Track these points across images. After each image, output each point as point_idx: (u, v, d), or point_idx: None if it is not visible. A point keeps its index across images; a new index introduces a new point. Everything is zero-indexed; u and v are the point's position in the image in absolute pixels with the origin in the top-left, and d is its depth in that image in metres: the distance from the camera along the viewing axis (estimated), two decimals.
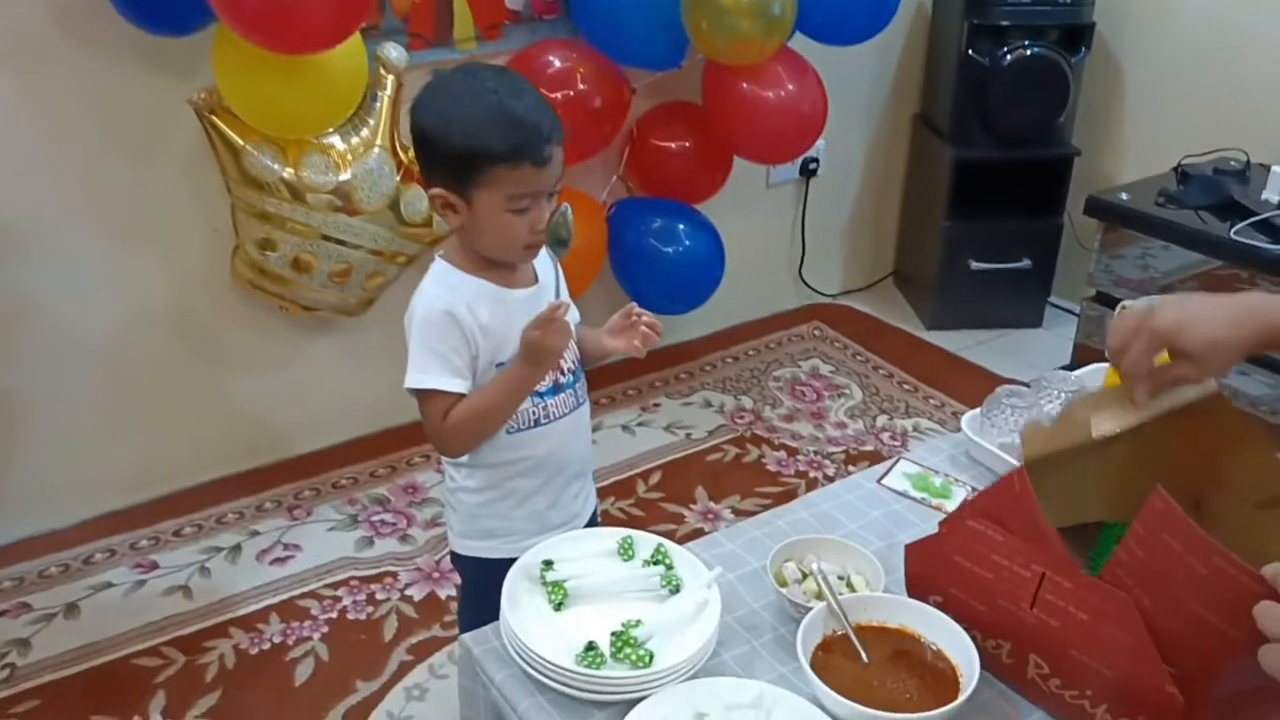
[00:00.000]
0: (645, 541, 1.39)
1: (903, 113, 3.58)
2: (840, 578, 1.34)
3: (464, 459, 1.54)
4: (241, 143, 2.20)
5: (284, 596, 2.28)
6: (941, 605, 1.21)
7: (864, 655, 1.20)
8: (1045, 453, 1.29)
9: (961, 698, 1.09)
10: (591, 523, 1.68)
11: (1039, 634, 1.11)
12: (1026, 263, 3.39)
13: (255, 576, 2.34)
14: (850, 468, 2.73)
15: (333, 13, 1.89)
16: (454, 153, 1.36)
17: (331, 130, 2.25)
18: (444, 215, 1.43)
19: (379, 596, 2.28)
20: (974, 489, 1.58)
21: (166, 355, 2.50)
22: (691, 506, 2.55)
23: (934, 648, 1.19)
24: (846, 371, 3.21)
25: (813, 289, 3.63)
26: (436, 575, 2.34)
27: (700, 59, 2.74)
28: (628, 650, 1.21)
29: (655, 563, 1.36)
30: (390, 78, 2.33)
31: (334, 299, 2.43)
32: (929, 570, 1.23)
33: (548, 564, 1.35)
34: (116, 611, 2.24)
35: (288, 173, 2.22)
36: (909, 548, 1.27)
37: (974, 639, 1.16)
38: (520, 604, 1.29)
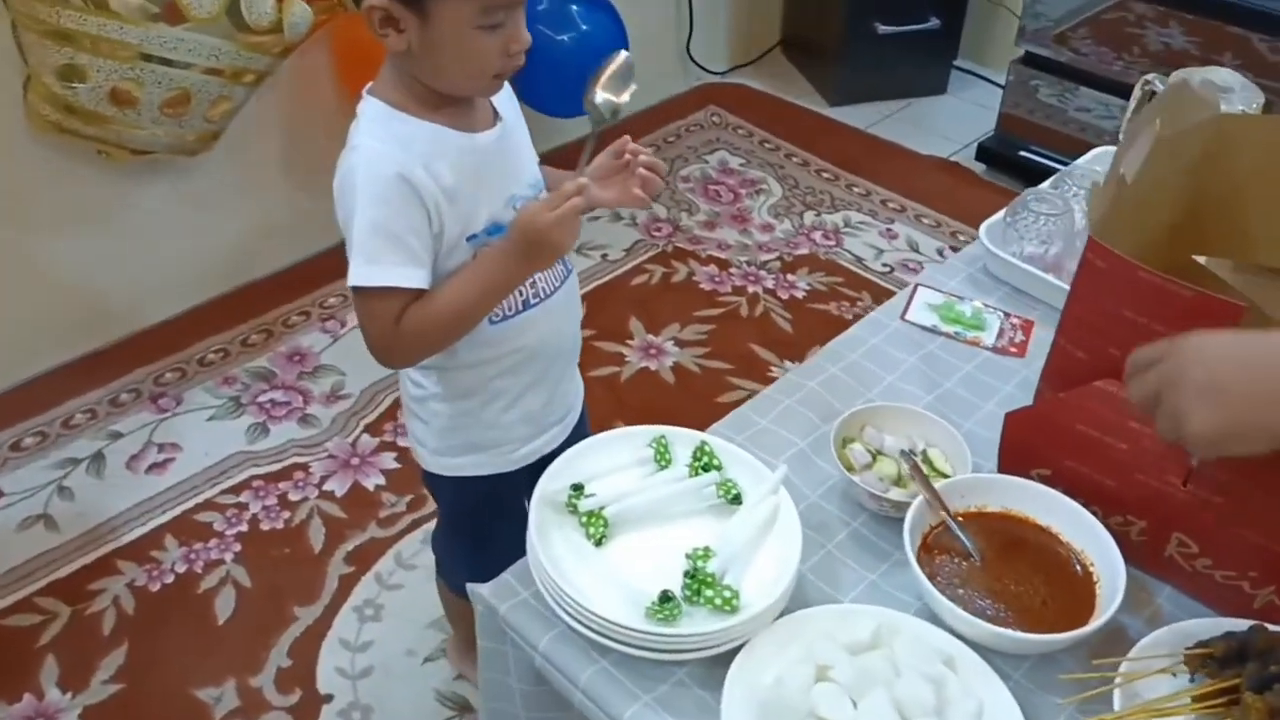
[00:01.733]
0: (681, 439, 1.13)
1: None
2: (910, 452, 1.12)
3: (433, 359, 1.17)
4: None
5: (175, 513, 1.88)
6: (1048, 479, 1.04)
7: (975, 554, 1.01)
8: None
9: (1112, 608, 0.91)
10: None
11: (1189, 511, 0.94)
12: (935, 22, 3.09)
13: (132, 491, 1.91)
14: (789, 276, 2.46)
15: None
16: None
17: None
18: (382, 35, 1.01)
19: (292, 497, 1.91)
20: (1006, 314, 1.39)
21: None
22: (629, 342, 2.24)
23: (1051, 531, 1.02)
24: (759, 163, 2.89)
25: (701, 67, 3.24)
26: (355, 461, 1.98)
27: None
28: (707, 592, 0.96)
29: (700, 466, 1.09)
30: None
31: (169, 137, 1.90)
32: (1038, 442, 1.04)
33: (577, 489, 1.06)
34: None
35: None
36: (1010, 418, 1.06)
37: (1093, 514, 0.99)
38: (553, 544, 1.00)
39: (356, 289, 1.06)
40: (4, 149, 1.93)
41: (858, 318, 2.27)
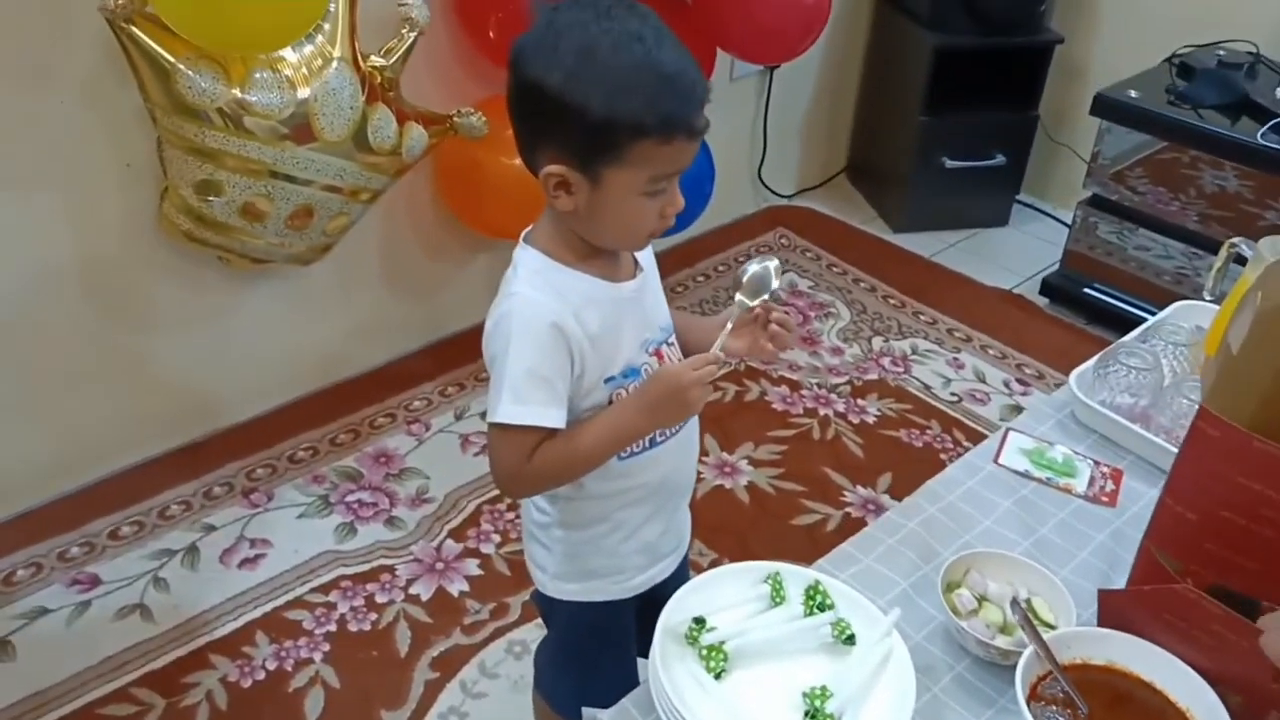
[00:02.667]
0: (794, 577, 1.17)
1: None
2: (1017, 601, 1.14)
3: (561, 489, 1.23)
4: (172, 60, 1.73)
5: (266, 609, 1.93)
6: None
7: (1082, 704, 1.03)
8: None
9: None
10: None
11: None
12: (1000, 159, 3.20)
13: (224, 585, 1.97)
14: (859, 401, 2.53)
15: None
16: (590, 123, 1.02)
17: None
18: (554, 197, 1.09)
19: (379, 599, 1.96)
20: (1095, 462, 1.44)
21: (77, 320, 2.04)
22: (704, 459, 2.30)
23: (1157, 688, 1.04)
24: (827, 286, 2.97)
25: (770, 190, 3.35)
26: (440, 566, 2.03)
27: None
28: None
29: (813, 604, 1.13)
30: None
31: (289, 248, 2.01)
32: (1132, 618, 1.06)
33: (699, 622, 1.10)
34: (62, 646, 1.85)
35: (233, 95, 1.77)
36: (1103, 597, 1.10)
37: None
38: (675, 674, 1.04)
39: (502, 425, 1.11)
40: (129, 252, 2.05)
41: (927, 445, 2.38)
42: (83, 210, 1.97)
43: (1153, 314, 1.59)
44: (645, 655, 1.08)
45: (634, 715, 1.07)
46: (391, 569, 2.02)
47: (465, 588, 1.99)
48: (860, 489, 2.26)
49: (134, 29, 1.70)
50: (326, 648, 1.87)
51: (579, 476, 1.19)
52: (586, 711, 1.10)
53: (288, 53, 1.82)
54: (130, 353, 2.14)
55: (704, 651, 1.08)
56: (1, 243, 1.88)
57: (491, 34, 2.21)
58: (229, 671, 1.82)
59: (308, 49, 1.85)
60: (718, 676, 1.06)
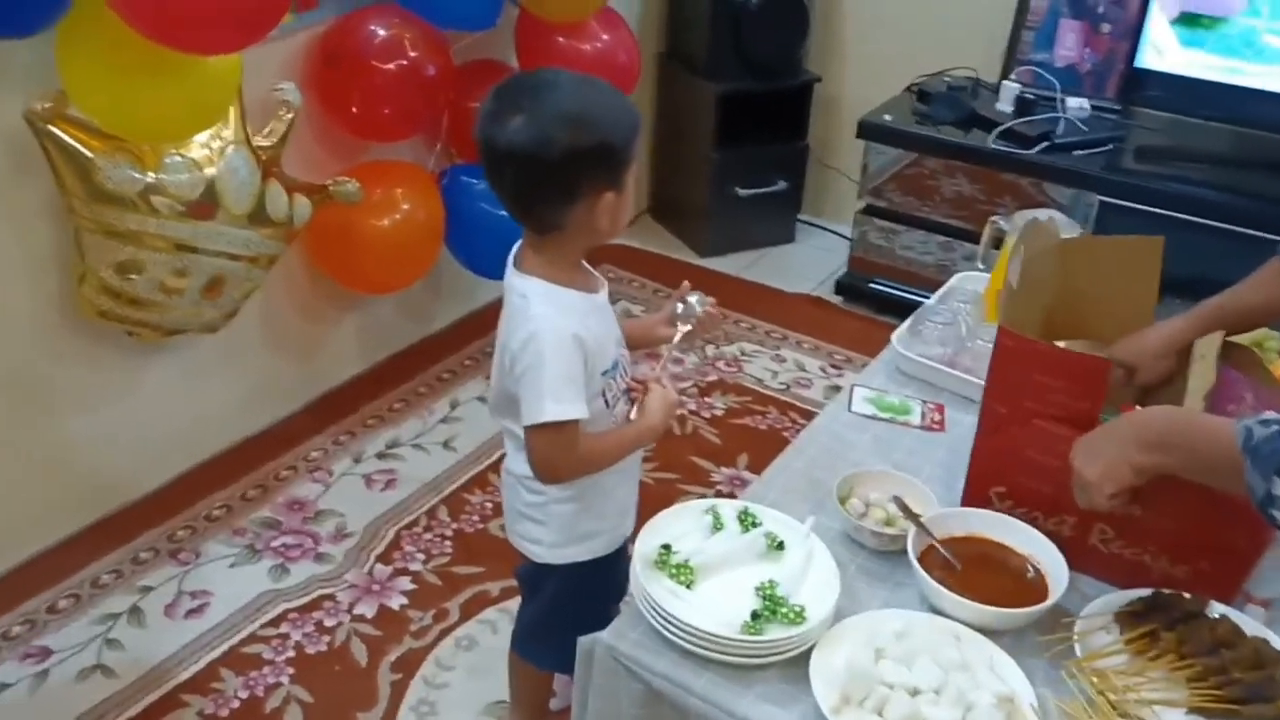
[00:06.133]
0: (728, 508, 1.49)
1: (647, 51, 3.70)
2: (895, 499, 1.51)
3: None
4: (90, 154, 1.89)
5: (223, 648, 2.08)
6: (1004, 494, 1.44)
7: (956, 564, 1.39)
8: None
9: (1059, 591, 1.31)
10: None
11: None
12: (782, 184, 3.69)
13: (177, 635, 2.11)
14: (706, 399, 2.90)
15: (252, 10, 1.68)
16: (619, 149, 1.36)
17: None
18: (599, 221, 1.39)
19: (328, 623, 2.14)
20: (923, 401, 1.81)
21: None
22: None
23: (1008, 546, 1.41)
24: (657, 310, 3.34)
25: None
26: (376, 587, 2.24)
27: (513, 16, 2.70)
28: (782, 610, 1.32)
29: (748, 524, 1.46)
30: None
31: (205, 317, 2.18)
32: (995, 466, 1.45)
33: (665, 548, 1.41)
34: (30, 714, 1.93)
35: (148, 180, 1.95)
36: (977, 446, 1.47)
37: (1035, 520, 1.40)
38: (654, 590, 1.34)
39: (547, 423, 1.39)
40: (37, 341, 2.16)
41: (770, 427, 2.78)
42: None
43: (927, 298, 1.99)
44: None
45: (627, 630, 1.35)
46: (332, 596, 2.21)
47: (405, 601, 2.21)
48: (724, 469, 2.62)
49: (55, 129, 1.86)
50: (291, 671, 2.04)
51: (605, 468, 1.51)
52: (582, 640, 1.37)
53: (192, 138, 2.02)
54: (41, 435, 2.23)
55: (674, 570, 1.37)
56: None
57: (354, 110, 2.46)
58: (204, 706, 1.96)
59: (206, 134, 2.05)
60: (689, 586, 1.35)
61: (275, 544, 2.35)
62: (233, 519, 2.42)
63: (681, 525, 1.45)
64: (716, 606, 1.32)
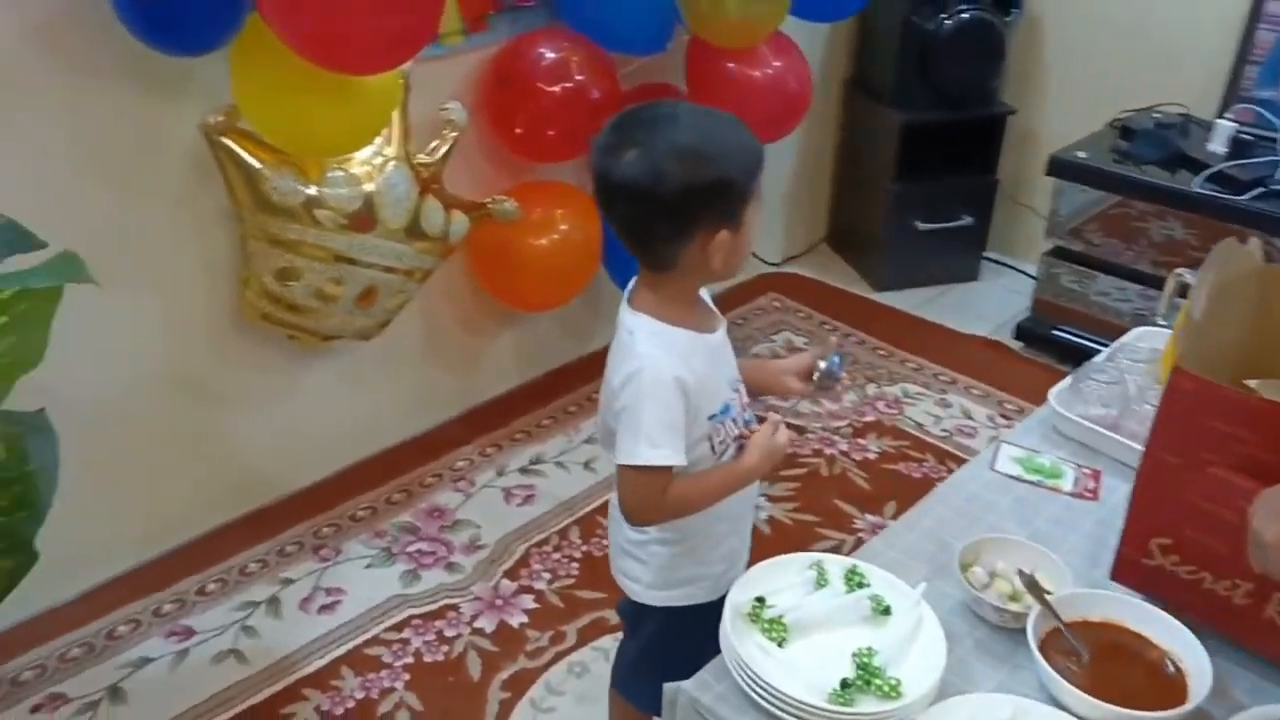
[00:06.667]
0: (835, 564, 1.40)
1: (834, 78, 3.63)
2: (1023, 573, 1.37)
3: None
4: (259, 166, 2.00)
5: (348, 647, 2.14)
6: (1169, 546, 1.26)
7: (1084, 652, 1.25)
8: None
9: (1202, 694, 1.14)
10: None
11: None
12: (967, 220, 3.52)
13: (308, 629, 2.19)
14: (860, 440, 2.79)
15: (399, 33, 1.73)
16: (737, 186, 1.31)
17: None
18: (713, 262, 1.34)
19: (448, 634, 2.18)
20: (1077, 465, 1.66)
21: (163, 405, 2.28)
22: None
23: (1145, 636, 1.25)
24: (820, 342, 3.26)
25: (759, 258, 3.66)
26: (499, 602, 2.26)
27: (683, 40, 2.68)
28: (876, 682, 1.22)
29: (853, 583, 1.37)
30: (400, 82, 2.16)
31: (358, 324, 2.27)
32: (1162, 512, 1.26)
33: (760, 601, 1.33)
34: (168, 689, 2.05)
35: (310, 192, 2.05)
36: (1138, 488, 1.29)
37: (1202, 581, 1.22)
38: (744, 644, 1.27)
39: (639, 466, 1.35)
40: (209, 339, 2.30)
41: (925, 476, 2.64)
42: (172, 302, 2.22)
43: None
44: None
45: (711, 682, 1.29)
46: (456, 607, 2.24)
47: (525, 619, 2.21)
48: (869, 516, 2.51)
49: (228, 140, 1.98)
50: (406, 677, 2.08)
51: (700, 509, 1.44)
52: (669, 686, 1.32)
53: (354, 154, 2.10)
54: (207, 431, 2.38)
55: (767, 625, 1.30)
56: (102, 338, 2.12)
57: (518, 130, 2.51)
58: (321, 702, 2.03)
59: (369, 150, 2.13)
60: (780, 644, 1.28)
61: (411, 549, 2.41)
62: (375, 521, 2.50)
63: (782, 578, 1.39)
64: (806, 669, 1.25)
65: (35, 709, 2.00)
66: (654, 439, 1.34)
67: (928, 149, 3.40)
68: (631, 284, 1.45)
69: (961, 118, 3.39)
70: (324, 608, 2.25)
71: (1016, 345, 3.25)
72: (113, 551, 2.30)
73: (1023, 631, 1.27)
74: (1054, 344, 3.16)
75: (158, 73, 1.99)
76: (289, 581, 2.32)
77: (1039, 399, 2.74)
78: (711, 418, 1.41)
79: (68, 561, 2.20)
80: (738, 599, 1.32)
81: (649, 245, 1.36)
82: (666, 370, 1.34)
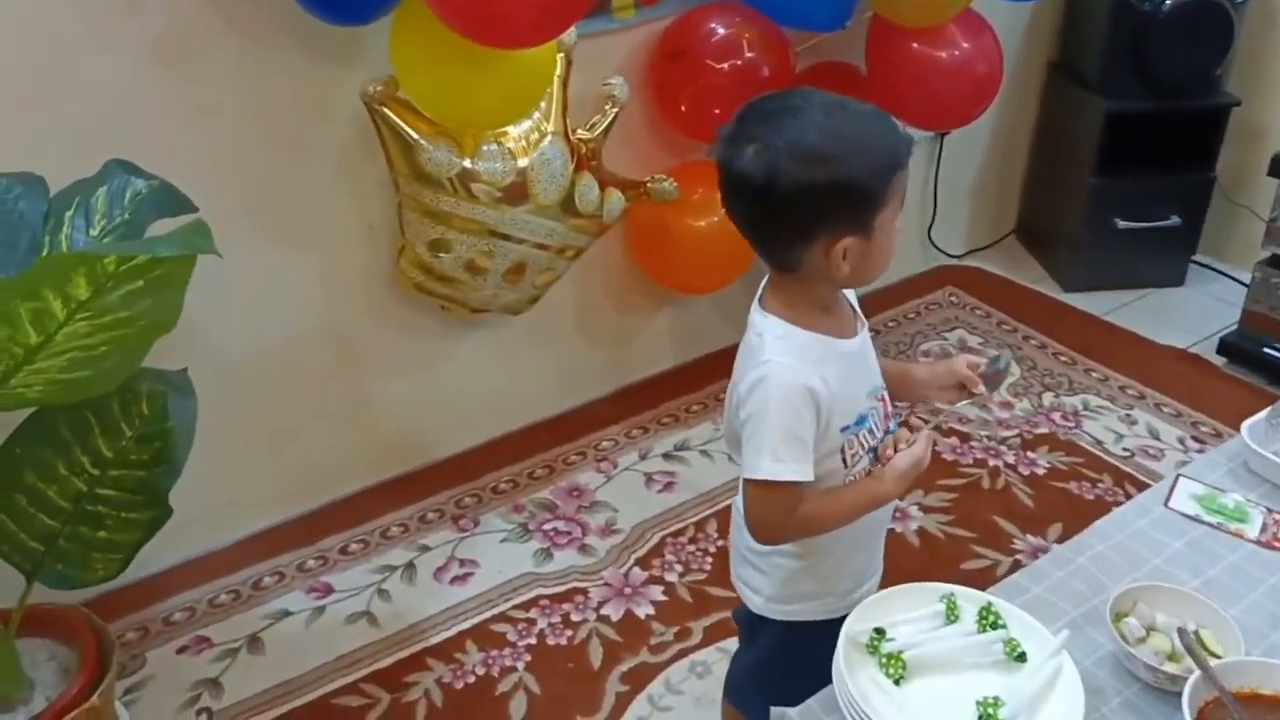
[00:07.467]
0: (968, 599, 1.27)
1: (1034, 60, 3.37)
2: (1185, 631, 1.23)
3: None
4: (416, 136, 2.01)
5: (475, 621, 2.15)
6: None
7: None
8: None
9: None
10: None
11: None
12: (1175, 220, 3.21)
13: (439, 599, 2.21)
14: (1030, 453, 2.59)
15: (554, 9, 1.69)
16: (863, 190, 1.20)
17: None
18: (837, 268, 1.23)
19: (574, 618, 2.15)
20: (1269, 509, 1.47)
21: (319, 363, 2.34)
22: None
23: None
24: (996, 343, 3.05)
25: (940, 250, 3.46)
26: (628, 591, 2.22)
27: (865, 18, 2.54)
28: None
29: (987, 623, 1.25)
30: (560, 56, 2.12)
31: (506, 299, 2.26)
32: None
33: (879, 632, 1.23)
34: (302, 643, 2.11)
35: (464, 165, 2.04)
36: None
37: None
38: (858, 678, 1.17)
39: (763, 481, 1.26)
40: (367, 303, 2.34)
41: (1098, 498, 2.43)
42: (330, 266, 2.27)
43: None
44: None
45: (819, 714, 1.21)
46: (585, 591, 2.22)
47: (651, 611, 2.16)
48: (1030, 537, 2.33)
49: (386, 110, 1.99)
50: (528, 658, 2.07)
51: (830, 530, 1.34)
52: (775, 711, 1.24)
53: (510, 127, 2.08)
54: (359, 393, 2.43)
55: (884, 659, 1.21)
56: (265, 294, 2.20)
57: (683, 108, 2.43)
58: (444, 674, 2.04)
59: (526, 124, 2.11)
60: (897, 682, 1.19)
61: (547, 526, 2.40)
62: (515, 495, 2.50)
63: (907, 609, 1.29)
64: (923, 713, 1.16)
65: (181, 650, 2.10)
66: (778, 453, 1.25)
67: (1134, 141, 3.11)
68: (764, 282, 1.36)
69: (1176, 108, 3.08)
70: (456, 579, 2.26)
71: (1219, 361, 2.95)
72: (266, 504, 2.39)
73: (1179, 695, 1.13)
74: (1263, 363, 2.85)
75: (328, 40, 2.02)
76: (426, 549, 2.35)
77: (1239, 423, 2.49)
78: (844, 429, 1.31)
79: (226, 509, 2.30)
80: (854, 628, 1.24)
81: (768, 246, 1.28)
82: (796, 378, 1.25)
